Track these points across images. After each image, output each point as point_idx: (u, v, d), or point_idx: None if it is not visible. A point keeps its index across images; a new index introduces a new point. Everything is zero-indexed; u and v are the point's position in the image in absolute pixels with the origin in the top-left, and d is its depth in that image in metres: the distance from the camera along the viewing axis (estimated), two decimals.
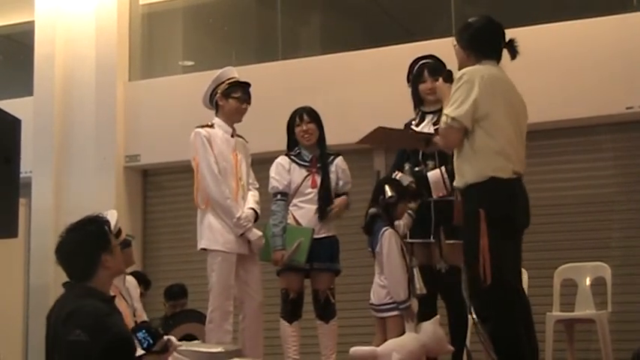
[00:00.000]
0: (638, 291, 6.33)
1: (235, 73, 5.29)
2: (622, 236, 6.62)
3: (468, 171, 3.93)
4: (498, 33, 4.11)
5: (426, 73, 4.90)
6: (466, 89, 3.90)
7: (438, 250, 4.75)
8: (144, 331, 3.28)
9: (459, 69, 4.08)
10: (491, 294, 3.81)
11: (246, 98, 5.23)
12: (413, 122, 4.97)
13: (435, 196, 4.75)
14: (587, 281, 6.00)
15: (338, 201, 5.19)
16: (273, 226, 5.15)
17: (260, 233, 5.08)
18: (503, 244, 3.84)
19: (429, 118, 4.89)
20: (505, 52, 4.09)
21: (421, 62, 5.01)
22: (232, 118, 5.22)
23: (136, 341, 3.26)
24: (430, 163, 4.80)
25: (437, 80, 4.60)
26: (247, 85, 5.25)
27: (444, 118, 3.96)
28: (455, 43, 4.15)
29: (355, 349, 4.38)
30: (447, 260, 4.71)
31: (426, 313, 4.68)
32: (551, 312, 5.81)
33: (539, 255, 6.11)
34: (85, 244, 3.39)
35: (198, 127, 5.14)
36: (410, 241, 4.79)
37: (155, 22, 8.62)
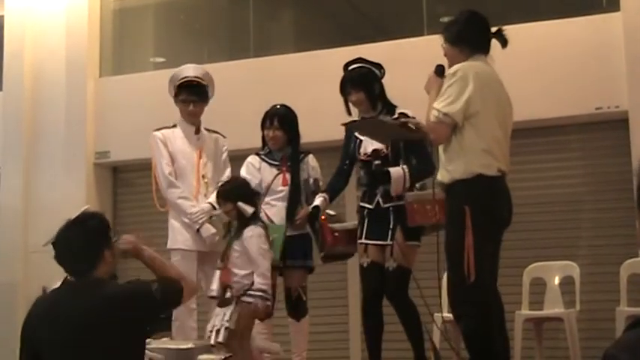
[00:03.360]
0: (605, 290, 6.38)
1: (188, 71, 5.21)
2: (590, 235, 6.69)
3: (455, 167, 3.91)
4: (485, 24, 4.11)
5: (349, 87, 4.93)
6: (460, 86, 3.87)
7: (390, 248, 4.74)
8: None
9: (449, 67, 4.04)
10: (469, 293, 3.81)
11: (193, 99, 5.16)
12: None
13: (393, 194, 4.72)
14: (556, 280, 6.05)
15: (302, 212, 5.12)
16: None
17: (213, 230, 5.07)
18: (485, 243, 3.84)
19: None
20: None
21: (345, 72, 5.01)
22: (186, 119, 5.21)
23: None
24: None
25: (359, 92, 4.78)
26: (196, 84, 5.16)
27: (434, 112, 3.91)
28: (443, 42, 4.10)
29: None
30: (397, 259, 4.71)
31: (371, 312, 4.71)
32: (520, 310, 5.85)
33: (509, 254, 6.04)
34: (90, 239, 3.35)
35: (156, 129, 5.16)
36: (365, 242, 4.79)
37: (126, 18, 8.55)
